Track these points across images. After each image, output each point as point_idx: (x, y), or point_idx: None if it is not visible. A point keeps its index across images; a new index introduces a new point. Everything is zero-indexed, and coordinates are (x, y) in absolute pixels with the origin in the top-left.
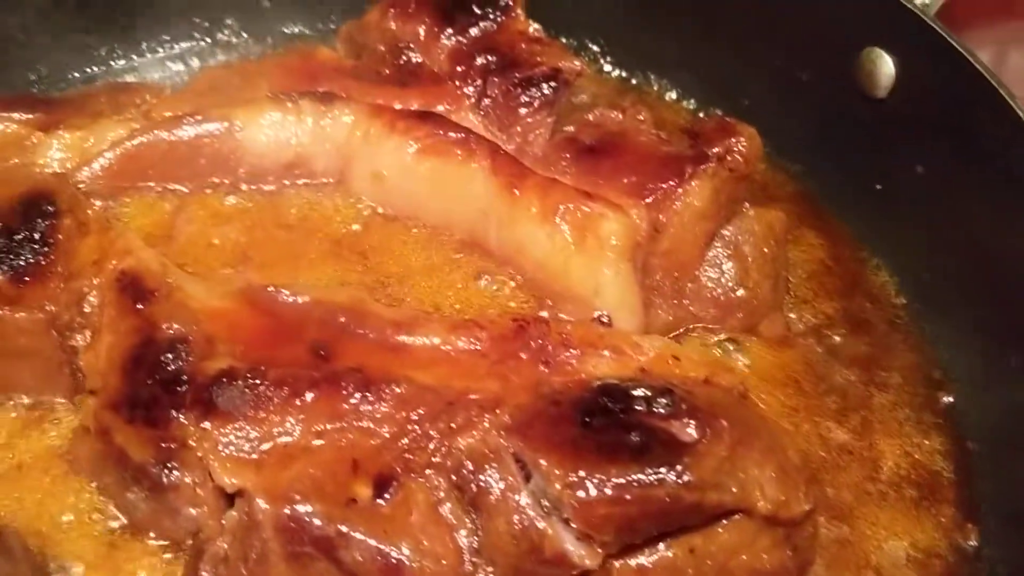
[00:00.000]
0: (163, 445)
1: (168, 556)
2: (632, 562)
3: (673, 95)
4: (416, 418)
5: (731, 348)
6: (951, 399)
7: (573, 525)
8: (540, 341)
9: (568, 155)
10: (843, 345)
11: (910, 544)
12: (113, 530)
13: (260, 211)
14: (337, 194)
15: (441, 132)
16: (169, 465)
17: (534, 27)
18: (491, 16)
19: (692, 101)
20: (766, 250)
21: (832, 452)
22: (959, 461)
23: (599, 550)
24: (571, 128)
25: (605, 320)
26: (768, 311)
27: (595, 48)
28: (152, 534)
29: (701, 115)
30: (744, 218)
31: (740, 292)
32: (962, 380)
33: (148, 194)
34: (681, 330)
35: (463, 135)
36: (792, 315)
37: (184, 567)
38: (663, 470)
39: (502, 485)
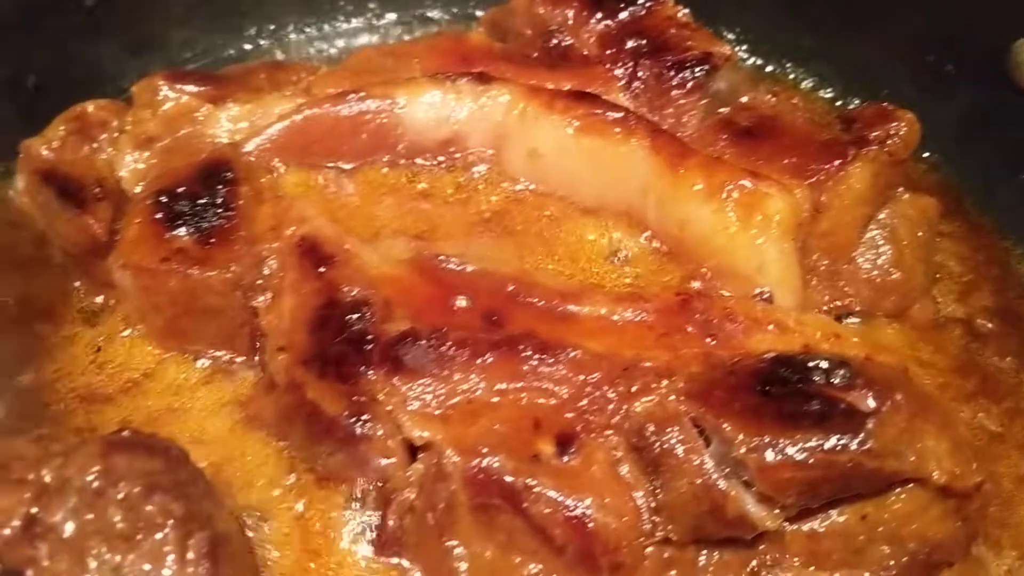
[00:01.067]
0: (354, 399)
1: (355, 506)
2: (805, 527)
3: (809, 84)
4: (593, 381)
5: (887, 332)
6: None
7: (754, 488)
8: (704, 315)
9: (725, 136)
10: (991, 333)
11: None
12: (296, 482)
13: (416, 187)
14: (491, 172)
15: (600, 111)
16: (361, 418)
17: (683, 12)
18: (639, 1)
19: (829, 91)
20: (920, 235)
21: (985, 438)
22: None
23: (778, 512)
24: (725, 110)
25: (767, 297)
26: (920, 295)
27: (730, 36)
28: (338, 485)
29: (838, 104)
30: (899, 203)
31: (895, 275)
32: None
33: (311, 168)
34: (836, 311)
35: (622, 114)
36: (940, 301)
37: (371, 520)
38: (845, 437)
39: (684, 447)
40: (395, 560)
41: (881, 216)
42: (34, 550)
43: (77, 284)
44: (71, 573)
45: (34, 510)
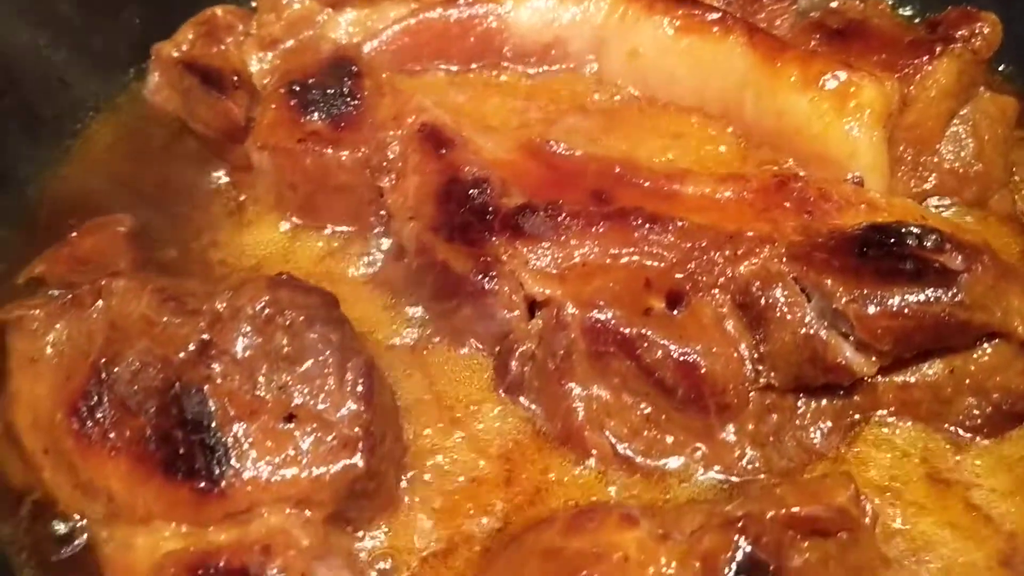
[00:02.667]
0: (481, 259)
1: (480, 359)
2: (897, 379)
3: (889, 0)
4: (700, 247)
5: (966, 219)
6: None
7: (852, 338)
8: (801, 194)
9: (816, 37)
10: None
11: None
12: (424, 335)
13: (521, 88)
14: (592, 75)
15: (698, 12)
16: (488, 274)
17: None
18: None
19: (909, 8)
20: (1000, 131)
21: None
22: None
23: (874, 360)
24: (815, 15)
25: (857, 181)
26: (999, 187)
27: None
28: (465, 342)
29: (917, 22)
30: (980, 100)
31: (976, 167)
32: None
33: (421, 72)
34: (919, 199)
35: (720, 14)
36: (1019, 201)
37: (495, 366)
38: (939, 291)
39: (787, 303)
40: (521, 401)
41: (963, 112)
42: (209, 370)
43: (213, 171)
44: (242, 389)
45: (207, 337)
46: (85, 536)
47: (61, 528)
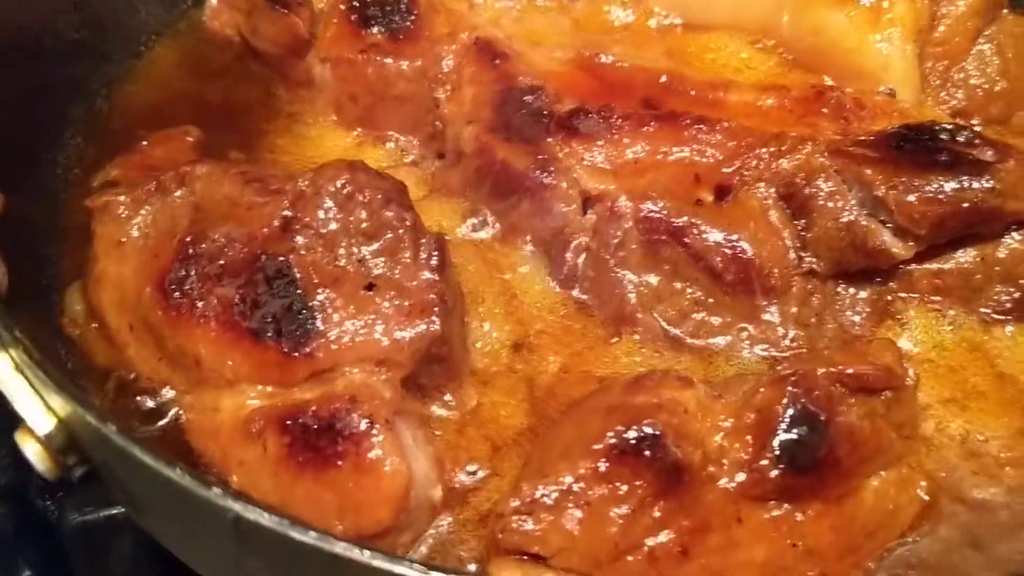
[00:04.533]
0: (539, 157)
1: (537, 253)
2: (932, 266)
3: None
4: (746, 144)
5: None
6: None
7: (890, 224)
8: (838, 102)
9: None
10: None
11: None
12: (484, 239)
13: (566, 14)
14: (627, 1)
15: None
16: (547, 170)
17: None
18: None
19: None
20: (1023, 50)
21: None
22: None
23: (911, 244)
24: None
25: (890, 93)
26: (1023, 105)
27: None
28: (521, 238)
29: None
30: (1005, 21)
31: (1001, 84)
32: None
33: None
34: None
35: None
36: None
37: (552, 258)
38: (973, 179)
39: (828, 192)
40: (575, 292)
41: (988, 31)
42: (293, 243)
43: (275, 90)
44: (325, 260)
45: (290, 213)
46: (171, 412)
47: (148, 403)
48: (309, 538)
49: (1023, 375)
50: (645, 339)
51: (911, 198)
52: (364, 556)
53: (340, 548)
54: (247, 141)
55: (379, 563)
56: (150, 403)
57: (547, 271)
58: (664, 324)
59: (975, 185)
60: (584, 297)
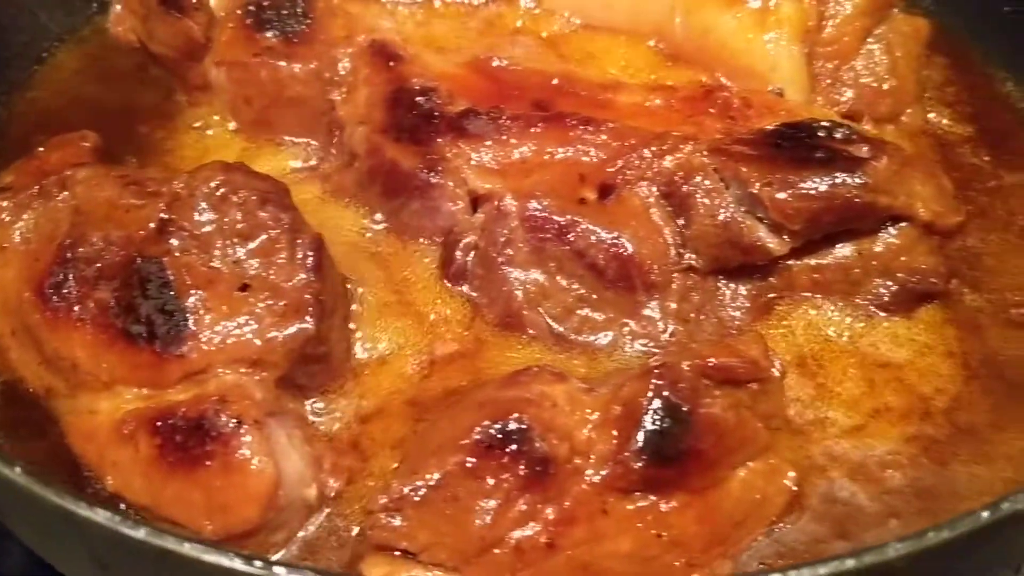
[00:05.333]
0: (427, 157)
1: (426, 252)
2: (811, 261)
3: None
4: (630, 145)
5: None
6: None
7: (766, 220)
8: (725, 101)
9: None
10: (973, 137)
11: None
12: (376, 239)
13: (466, 17)
14: (528, 5)
15: None
16: (435, 170)
17: None
18: None
19: None
20: (912, 49)
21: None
22: None
23: (786, 239)
24: None
25: (779, 92)
26: (912, 102)
27: None
28: (412, 238)
29: None
30: (894, 20)
31: (890, 82)
32: None
33: (372, 2)
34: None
35: None
36: (931, 117)
37: (441, 257)
38: (846, 175)
39: (707, 190)
40: (464, 290)
41: (878, 31)
42: (168, 245)
43: (174, 95)
44: (199, 261)
45: (166, 216)
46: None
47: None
48: (140, 535)
49: (902, 367)
50: (533, 337)
51: (785, 194)
52: (187, 549)
53: (170, 543)
54: (146, 146)
55: (210, 558)
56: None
57: (438, 270)
58: (550, 321)
59: (848, 181)
60: (474, 295)
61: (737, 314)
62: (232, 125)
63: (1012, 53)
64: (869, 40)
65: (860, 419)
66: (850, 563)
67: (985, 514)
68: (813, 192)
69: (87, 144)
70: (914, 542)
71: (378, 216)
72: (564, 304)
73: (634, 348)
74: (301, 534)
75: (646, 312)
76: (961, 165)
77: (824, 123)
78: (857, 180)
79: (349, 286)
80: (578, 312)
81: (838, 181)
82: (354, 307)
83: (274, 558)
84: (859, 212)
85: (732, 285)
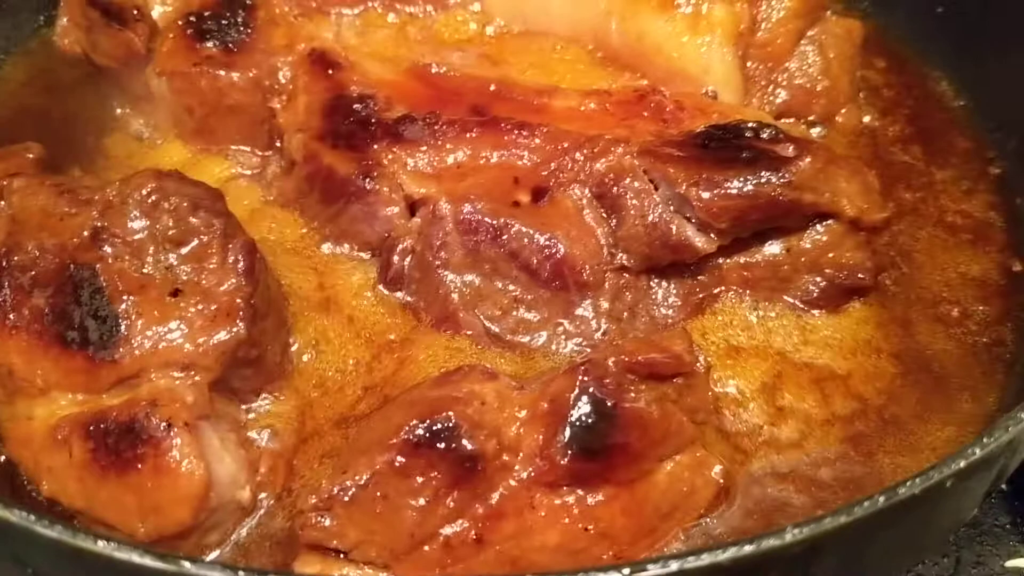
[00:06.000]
0: (363, 163)
1: (363, 258)
2: (740, 259)
3: None
4: (563, 148)
5: (813, 133)
6: (1001, 171)
7: (694, 220)
8: (658, 104)
9: None
10: (907, 135)
11: (968, 271)
12: (313, 246)
13: (408, 27)
14: (474, 14)
15: None
16: (370, 175)
17: None
18: None
19: None
20: (845, 50)
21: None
22: (1008, 213)
23: (714, 237)
24: None
25: (712, 95)
26: (846, 102)
27: None
28: (351, 244)
29: None
30: (827, 22)
31: (823, 83)
32: (1011, 157)
33: (315, 10)
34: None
35: None
36: (865, 116)
37: (379, 263)
38: (770, 173)
39: (636, 191)
40: (399, 295)
41: (811, 33)
42: (101, 252)
43: (119, 106)
44: (132, 268)
45: (100, 223)
46: None
47: None
48: (54, 533)
49: (830, 362)
50: (470, 339)
51: (711, 194)
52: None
53: (81, 540)
54: (91, 157)
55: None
56: None
57: (375, 276)
58: (486, 322)
59: (772, 179)
60: (410, 299)
61: (669, 312)
62: (175, 134)
63: (947, 52)
64: (803, 42)
65: (788, 414)
66: (748, 548)
67: (882, 499)
68: (738, 191)
69: (31, 155)
70: (813, 527)
71: (316, 224)
72: (500, 305)
73: (568, 347)
74: (234, 537)
75: (579, 312)
76: (893, 163)
77: (751, 124)
78: (781, 178)
79: (284, 291)
80: (513, 313)
81: (763, 180)
82: (290, 311)
83: (208, 558)
84: (785, 210)
85: (664, 283)
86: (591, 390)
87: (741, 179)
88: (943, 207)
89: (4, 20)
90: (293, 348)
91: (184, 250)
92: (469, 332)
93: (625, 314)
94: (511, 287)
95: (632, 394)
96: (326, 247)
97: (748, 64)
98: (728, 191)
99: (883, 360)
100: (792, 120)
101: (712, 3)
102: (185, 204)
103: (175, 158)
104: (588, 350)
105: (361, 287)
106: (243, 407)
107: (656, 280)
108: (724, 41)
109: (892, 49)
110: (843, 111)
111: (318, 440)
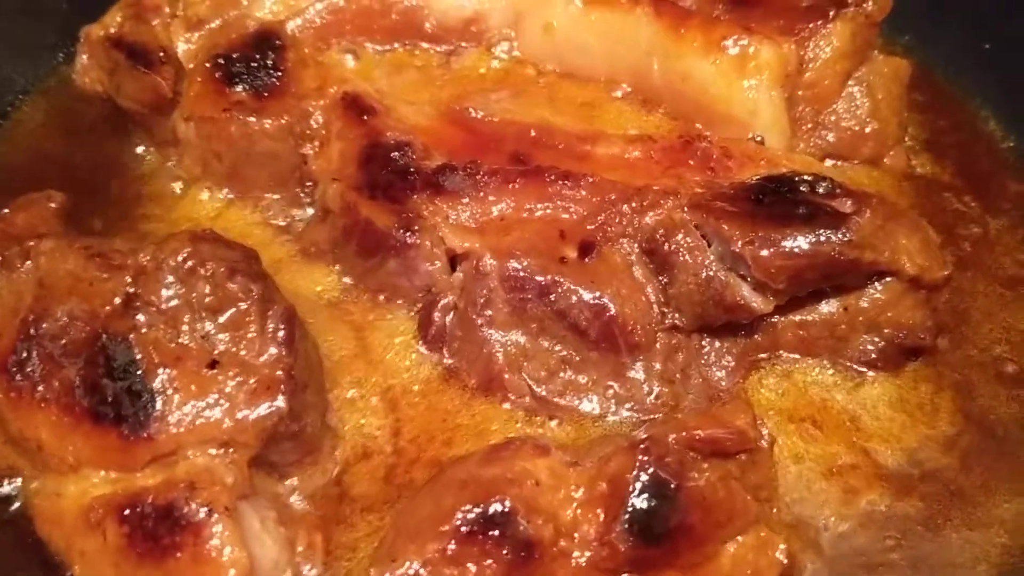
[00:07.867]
0: (403, 216)
1: (404, 315)
2: (795, 318)
3: None
4: (610, 200)
5: (861, 175)
6: None
7: (749, 279)
8: (705, 152)
9: (720, 5)
10: (957, 179)
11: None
12: (351, 295)
13: (438, 67)
14: (506, 54)
15: None
16: (411, 228)
17: None
18: None
19: None
20: (893, 90)
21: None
22: None
23: (771, 298)
24: None
25: (759, 140)
26: (894, 144)
27: None
28: (389, 299)
29: None
30: (875, 62)
31: (872, 125)
32: None
33: (345, 49)
34: (819, 157)
35: None
36: (912, 156)
37: (419, 320)
38: (829, 231)
39: (688, 248)
40: (443, 356)
41: (858, 73)
42: (134, 321)
43: (142, 148)
44: (167, 338)
45: (132, 290)
46: (21, 498)
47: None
48: None
49: (889, 426)
50: (515, 404)
51: (768, 252)
52: None
53: None
54: (115, 204)
55: None
56: (6, 487)
57: (415, 334)
58: (532, 384)
59: (832, 238)
60: (451, 361)
61: (722, 373)
62: (202, 180)
63: (994, 90)
64: (850, 83)
65: (850, 485)
66: None
67: None
68: (796, 250)
69: (53, 205)
70: None
71: (352, 276)
72: (547, 366)
73: (619, 414)
74: None
75: (630, 374)
76: (945, 210)
77: (806, 177)
78: (841, 236)
79: (321, 352)
80: (561, 375)
81: (821, 238)
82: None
83: None
84: (843, 269)
85: (717, 343)
86: (652, 470)
87: (799, 237)
88: (998, 259)
89: (22, 58)
90: (330, 413)
91: (221, 318)
92: (513, 395)
93: (678, 376)
94: (558, 347)
95: (695, 473)
96: (363, 302)
97: (797, 107)
98: (785, 250)
99: (943, 424)
100: (839, 162)
101: (759, 44)
102: (222, 269)
103: (202, 205)
104: (640, 415)
105: (401, 347)
106: (283, 480)
107: (708, 340)
108: (772, 83)
109: (936, 85)
110: (891, 153)
111: (363, 515)
